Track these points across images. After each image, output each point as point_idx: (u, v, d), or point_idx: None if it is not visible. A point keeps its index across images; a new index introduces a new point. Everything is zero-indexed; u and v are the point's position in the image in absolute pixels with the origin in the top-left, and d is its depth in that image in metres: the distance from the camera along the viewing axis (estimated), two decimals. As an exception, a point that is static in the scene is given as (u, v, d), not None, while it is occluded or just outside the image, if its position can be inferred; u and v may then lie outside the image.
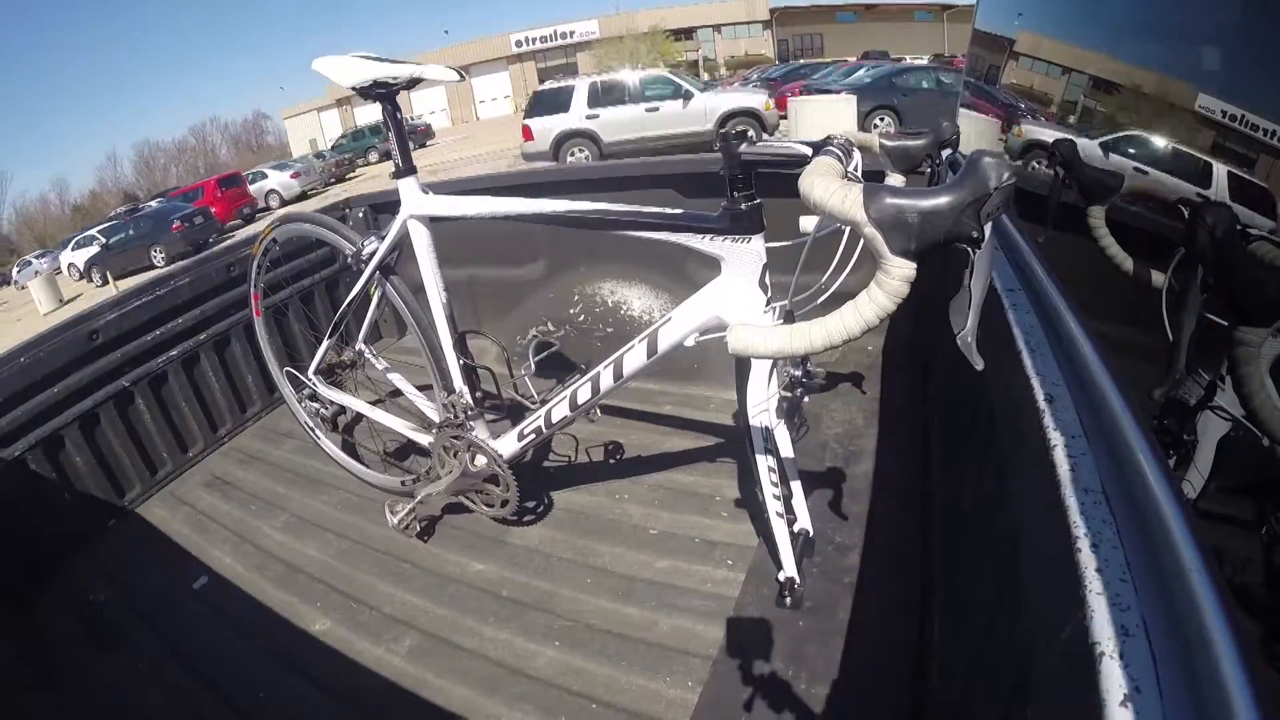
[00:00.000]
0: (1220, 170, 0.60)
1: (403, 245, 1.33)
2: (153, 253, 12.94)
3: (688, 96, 10.27)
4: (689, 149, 10.22)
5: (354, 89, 1.22)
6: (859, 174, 0.85)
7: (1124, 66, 0.88)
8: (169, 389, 1.87)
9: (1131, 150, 0.82)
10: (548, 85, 11.15)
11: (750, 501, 1.37)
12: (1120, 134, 0.86)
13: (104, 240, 13.81)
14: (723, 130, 0.99)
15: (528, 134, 10.47)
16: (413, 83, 1.25)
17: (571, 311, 2.06)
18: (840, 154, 0.77)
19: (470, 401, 1.34)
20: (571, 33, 30.39)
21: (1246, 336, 0.55)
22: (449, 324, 1.31)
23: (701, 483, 1.48)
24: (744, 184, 0.87)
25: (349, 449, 1.75)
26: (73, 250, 14.75)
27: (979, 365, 0.57)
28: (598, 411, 1.32)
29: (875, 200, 0.51)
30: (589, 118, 10.31)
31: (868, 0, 29.00)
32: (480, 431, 1.36)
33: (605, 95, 10.37)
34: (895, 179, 1.16)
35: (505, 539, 1.42)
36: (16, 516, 1.51)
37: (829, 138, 0.90)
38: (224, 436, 2.01)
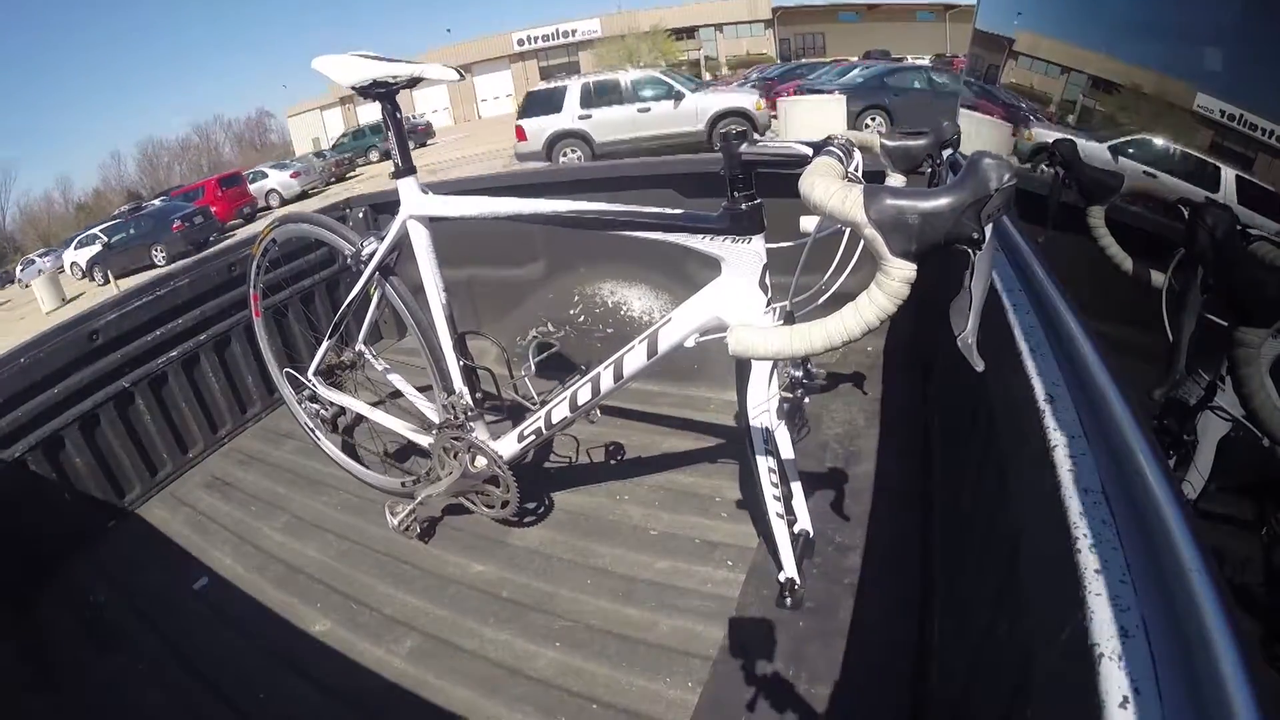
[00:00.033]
0: (1229, 173, 0.60)
1: (402, 246, 1.33)
2: (154, 252, 12.99)
3: (679, 97, 10.29)
4: (681, 149, 10.21)
5: (353, 88, 1.22)
6: (860, 175, 0.84)
7: (1124, 66, 0.88)
8: (169, 389, 1.87)
9: (1132, 151, 0.82)
10: (541, 86, 11.20)
11: (750, 502, 1.37)
12: (1129, 137, 0.85)
13: (106, 239, 13.83)
14: (723, 130, 0.99)
15: (521, 134, 10.52)
16: (412, 82, 1.24)
17: (571, 312, 2.05)
18: (841, 154, 0.76)
19: (470, 402, 1.34)
20: (573, 31, 30.36)
21: (1246, 337, 0.55)
22: (449, 325, 1.31)
23: (702, 483, 1.48)
24: (744, 184, 0.87)
25: (349, 450, 1.75)
26: (75, 249, 14.74)
27: (979, 367, 0.56)
28: (598, 412, 1.32)
29: (875, 201, 0.51)
30: (581, 118, 10.33)
31: (870, 0, 28.99)
32: (480, 432, 1.35)
33: (598, 96, 10.39)
34: (896, 179, 1.15)
35: (505, 540, 1.42)
36: (17, 517, 1.51)
37: (829, 138, 0.90)
38: (224, 437, 2.01)
